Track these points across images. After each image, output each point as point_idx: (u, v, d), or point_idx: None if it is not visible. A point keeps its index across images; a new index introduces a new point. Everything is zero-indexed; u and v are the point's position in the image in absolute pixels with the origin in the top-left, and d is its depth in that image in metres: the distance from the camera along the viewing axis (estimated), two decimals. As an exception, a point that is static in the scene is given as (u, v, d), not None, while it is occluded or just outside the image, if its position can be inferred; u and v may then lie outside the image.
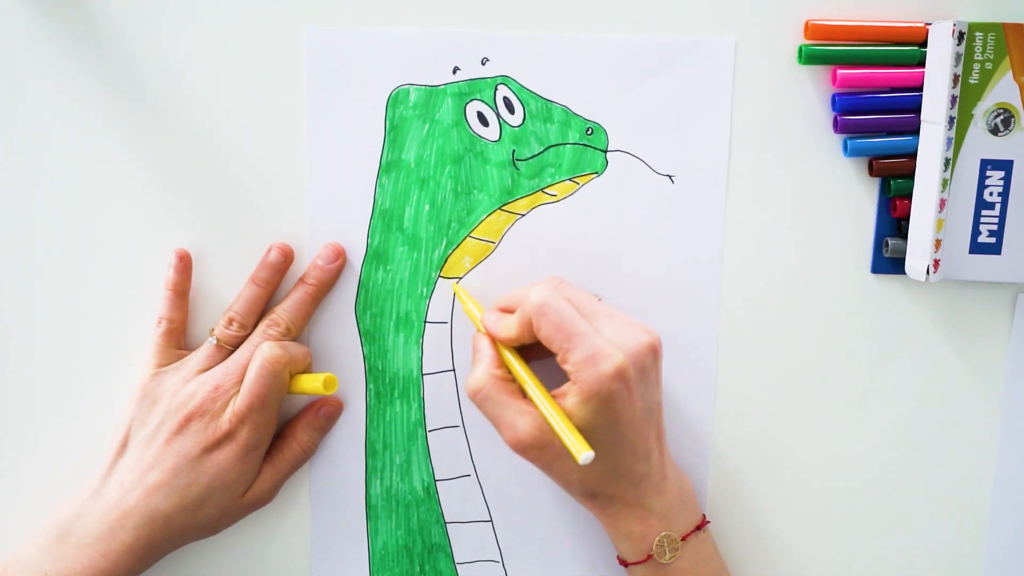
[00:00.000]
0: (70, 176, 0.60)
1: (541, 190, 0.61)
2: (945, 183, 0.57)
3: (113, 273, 0.61)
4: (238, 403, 0.56)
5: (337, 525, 0.63)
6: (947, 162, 0.57)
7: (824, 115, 0.60)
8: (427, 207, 0.60)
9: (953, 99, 0.56)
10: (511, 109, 0.60)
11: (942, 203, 0.57)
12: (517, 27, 0.59)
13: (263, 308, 0.60)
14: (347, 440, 0.62)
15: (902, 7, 0.59)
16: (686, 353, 0.62)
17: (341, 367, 0.61)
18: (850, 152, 0.59)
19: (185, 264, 0.60)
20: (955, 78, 0.56)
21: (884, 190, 0.60)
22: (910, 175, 0.59)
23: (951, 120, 0.56)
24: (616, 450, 0.53)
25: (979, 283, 0.61)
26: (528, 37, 0.59)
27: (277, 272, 0.60)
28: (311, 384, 0.58)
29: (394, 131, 0.60)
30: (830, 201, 0.61)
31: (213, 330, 0.59)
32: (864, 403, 0.62)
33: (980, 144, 0.57)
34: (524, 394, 0.54)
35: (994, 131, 0.57)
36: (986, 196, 0.58)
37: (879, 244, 0.61)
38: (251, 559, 0.63)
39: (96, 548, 0.55)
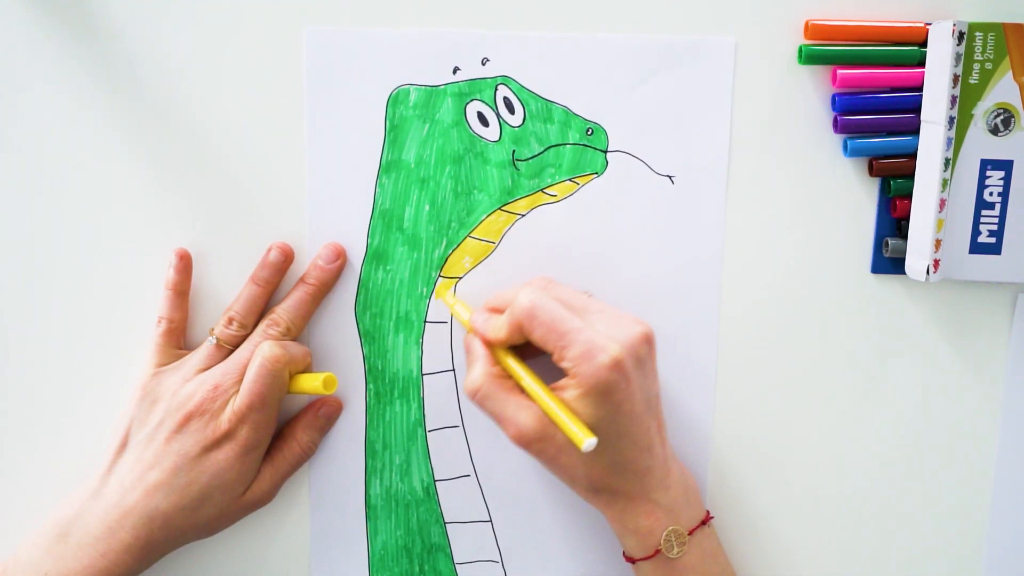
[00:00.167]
0: (70, 176, 0.60)
1: (541, 190, 0.61)
2: (945, 183, 0.57)
3: (113, 273, 0.61)
4: (237, 402, 0.56)
5: (336, 525, 0.63)
6: (947, 162, 0.57)
7: (824, 115, 0.60)
8: (427, 207, 0.60)
9: (953, 99, 0.56)
10: (511, 109, 0.60)
11: (942, 203, 0.57)
12: (517, 27, 0.59)
13: (263, 308, 0.60)
14: (347, 440, 0.62)
15: (902, 7, 0.59)
16: (686, 353, 0.62)
17: (341, 367, 0.61)
18: (850, 152, 0.59)
19: (185, 264, 0.60)
20: (955, 78, 0.56)
21: (884, 190, 0.60)
22: (910, 175, 0.59)
23: (951, 120, 0.56)
24: (619, 443, 0.53)
25: (979, 283, 0.61)
26: (528, 37, 0.59)
27: (277, 272, 0.60)
28: (311, 384, 0.58)
29: (394, 131, 0.60)
30: (830, 201, 0.61)
31: (213, 330, 0.59)
32: (864, 403, 0.62)
33: (980, 144, 0.57)
34: (523, 390, 0.54)
35: (994, 131, 0.57)
36: (986, 196, 0.58)
37: (879, 244, 0.61)
38: (250, 559, 0.63)
39: (96, 548, 0.55)
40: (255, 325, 0.60)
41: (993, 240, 0.58)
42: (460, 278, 0.61)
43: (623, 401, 0.52)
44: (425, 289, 0.61)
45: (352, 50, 0.59)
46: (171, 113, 0.60)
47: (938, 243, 0.58)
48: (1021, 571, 0.63)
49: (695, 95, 0.60)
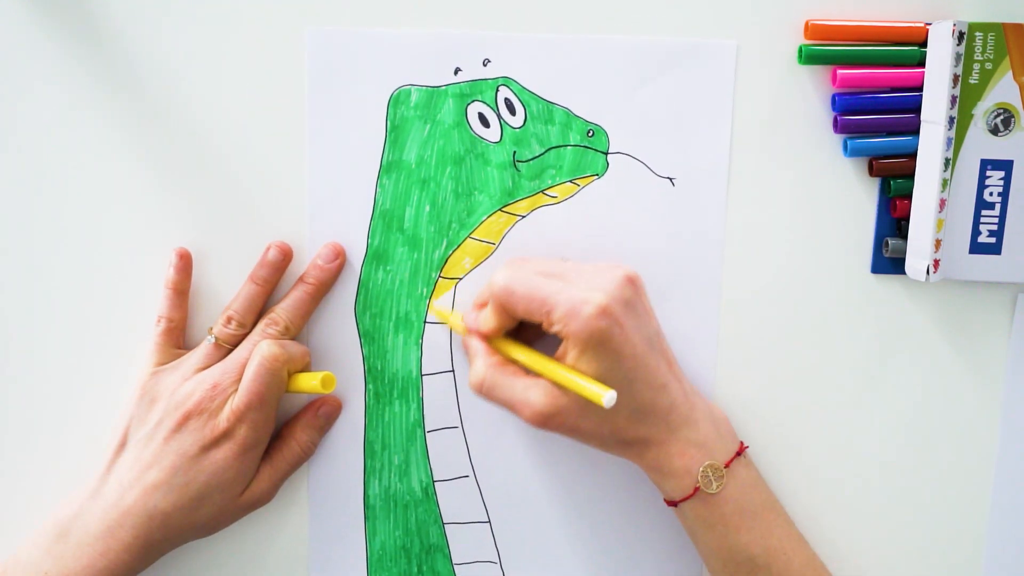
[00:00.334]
0: (70, 176, 0.60)
1: (542, 192, 0.61)
2: (945, 183, 0.57)
3: (113, 272, 0.61)
4: (236, 401, 0.56)
5: (335, 525, 0.62)
6: (947, 162, 0.57)
7: (824, 115, 0.60)
8: (427, 208, 0.61)
9: (953, 99, 0.56)
10: (512, 110, 0.60)
11: (942, 203, 0.57)
12: (519, 29, 0.59)
13: (262, 307, 0.60)
14: (346, 440, 0.62)
15: (902, 7, 0.59)
16: (686, 353, 0.61)
17: (340, 367, 0.61)
18: (850, 152, 0.59)
19: (185, 263, 0.60)
20: (955, 78, 0.56)
21: (884, 190, 0.60)
22: (910, 175, 0.59)
23: (951, 120, 0.56)
24: (631, 388, 0.53)
25: (979, 283, 0.61)
26: (530, 39, 0.59)
27: (276, 271, 0.60)
28: (309, 382, 0.58)
29: (395, 132, 0.60)
30: (830, 201, 0.61)
31: (212, 329, 0.59)
32: (864, 403, 0.62)
33: (980, 144, 0.57)
34: (527, 371, 0.54)
35: (994, 131, 0.57)
36: (986, 196, 0.58)
37: (879, 244, 0.61)
38: (249, 559, 0.63)
39: (95, 547, 0.55)
40: (254, 324, 0.59)
41: (993, 240, 0.58)
42: (460, 279, 0.61)
43: (622, 345, 0.52)
44: (425, 290, 0.61)
45: (353, 50, 0.59)
46: (171, 113, 0.60)
47: (938, 243, 0.58)
48: (1021, 571, 0.63)
49: (696, 97, 0.60)
